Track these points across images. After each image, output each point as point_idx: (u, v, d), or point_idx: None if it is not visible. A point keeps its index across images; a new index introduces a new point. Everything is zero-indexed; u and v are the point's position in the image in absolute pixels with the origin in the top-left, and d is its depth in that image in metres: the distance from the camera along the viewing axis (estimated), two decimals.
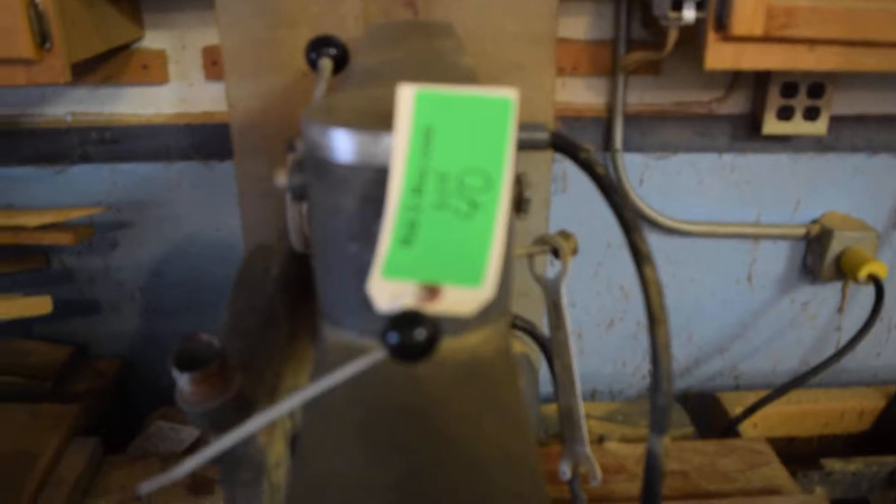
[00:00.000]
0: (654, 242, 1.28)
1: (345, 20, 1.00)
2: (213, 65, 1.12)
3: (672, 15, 0.92)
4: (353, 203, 0.37)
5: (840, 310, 1.36)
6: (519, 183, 0.44)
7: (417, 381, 0.37)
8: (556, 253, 0.73)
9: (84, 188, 1.19)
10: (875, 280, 1.20)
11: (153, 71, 1.12)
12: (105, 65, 1.10)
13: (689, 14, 0.91)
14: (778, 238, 1.30)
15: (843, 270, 1.24)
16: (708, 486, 1.05)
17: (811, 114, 1.17)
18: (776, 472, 1.08)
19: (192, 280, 1.26)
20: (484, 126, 0.34)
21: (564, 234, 0.74)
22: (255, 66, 1.03)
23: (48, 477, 0.98)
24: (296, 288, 0.69)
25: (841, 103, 1.21)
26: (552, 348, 0.74)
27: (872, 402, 1.32)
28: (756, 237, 1.29)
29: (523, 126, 0.44)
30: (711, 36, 0.91)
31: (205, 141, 1.17)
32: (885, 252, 1.31)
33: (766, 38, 0.90)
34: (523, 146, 0.45)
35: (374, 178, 0.36)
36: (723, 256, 1.31)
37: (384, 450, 0.34)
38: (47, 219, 1.09)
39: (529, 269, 0.73)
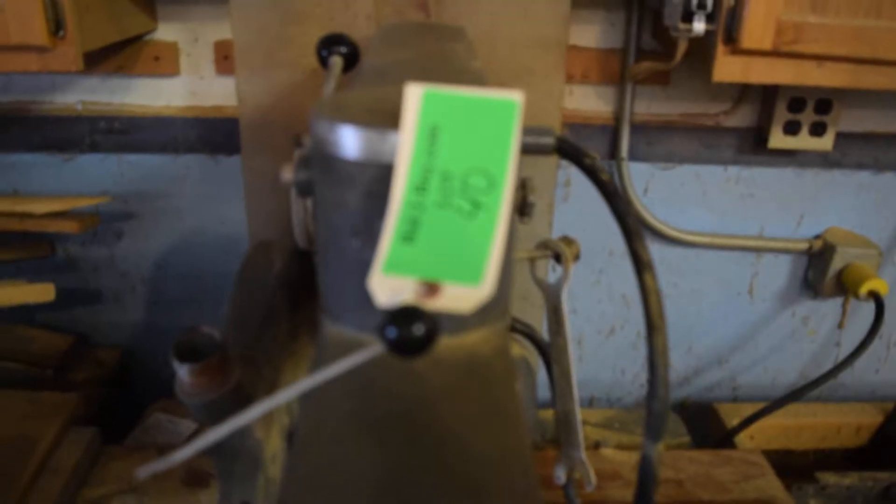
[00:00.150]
0: (657, 252, 1.28)
1: (356, 19, 1.01)
2: (225, 59, 1.12)
3: (682, 26, 0.92)
4: (358, 199, 0.38)
5: (840, 325, 1.36)
6: (523, 187, 0.44)
7: (415, 379, 0.37)
8: (557, 258, 0.73)
9: (91, 177, 1.20)
10: (876, 297, 1.21)
11: (165, 63, 1.12)
12: (117, 55, 1.11)
13: (699, 26, 0.91)
14: (780, 252, 1.30)
15: (845, 286, 1.25)
16: (702, 496, 1.05)
17: (817, 129, 1.17)
18: (771, 484, 1.08)
19: (194, 273, 1.27)
20: (489, 127, 0.34)
21: (567, 240, 0.75)
22: (267, 61, 1.03)
23: (45, 464, 0.99)
24: (298, 285, 0.69)
25: (848, 120, 1.21)
26: (551, 353, 0.75)
27: (870, 418, 1.32)
28: (758, 250, 1.29)
29: (530, 130, 0.44)
30: (720, 49, 0.91)
31: (213, 135, 1.17)
32: (887, 269, 1.31)
33: (775, 53, 0.91)
34: (529, 150, 0.45)
35: (379, 175, 0.36)
36: (725, 268, 1.31)
37: (379, 445, 0.34)
38: (54, 206, 1.09)
39: (531, 273, 0.73)
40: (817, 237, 1.28)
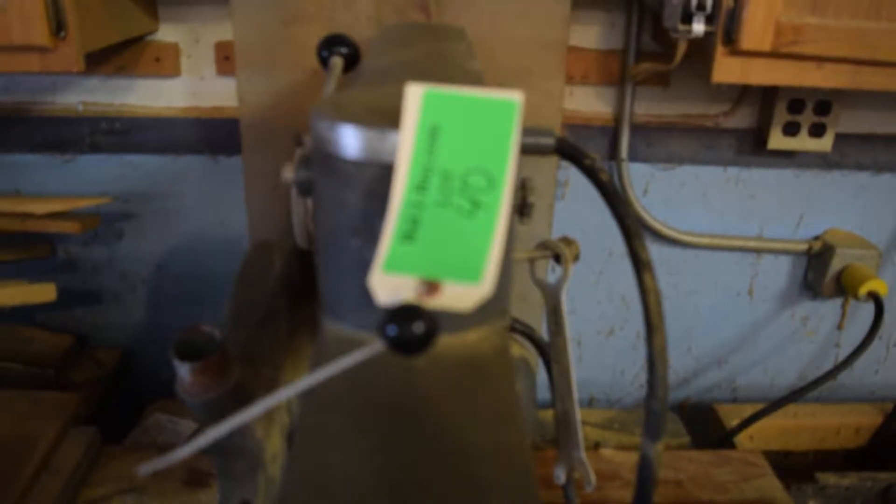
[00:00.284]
0: (657, 253, 1.28)
1: (358, 19, 1.01)
2: (226, 60, 1.13)
3: (682, 27, 0.92)
4: (358, 198, 0.38)
5: (840, 326, 1.36)
6: (523, 187, 0.44)
7: (415, 377, 0.38)
8: (557, 258, 0.73)
9: (92, 178, 1.20)
10: (875, 298, 1.21)
11: (165, 64, 1.13)
12: (118, 55, 1.11)
13: (698, 27, 0.91)
14: (780, 253, 1.30)
15: (844, 287, 1.25)
16: (701, 496, 1.05)
17: (817, 130, 1.17)
18: (770, 484, 1.08)
19: (195, 273, 1.27)
20: (489, 127, 0.35)
21: (566, 240, 0.75)
22: (267, 61, 1.03)
23: (45, 464, 0.99)
24: (298, 285, 0.69)
25: (847, 121, 1.21)
26: (551, 353, 0.75)
27: (869, 419, 1.32)
28: (758, 251, 1.30)
29: (530, 130, 0.44)
30: (720, 50, 0.92)
31: (214, 135, 1.18)
32: (887, 270, 1.31)
33: (774, 54, 0.91)
34: (529, 150, 0.45)
35: (379, 175, 0.36)
36: (724, 269, 1.31)
37: (379, 443, 0.35)
38: (55, 207, 1.09)
39: (530, 273, 0.74)
40: (817, 238, 1.28)
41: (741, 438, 1.25)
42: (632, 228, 0.46)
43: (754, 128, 1.22)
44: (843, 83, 0.95)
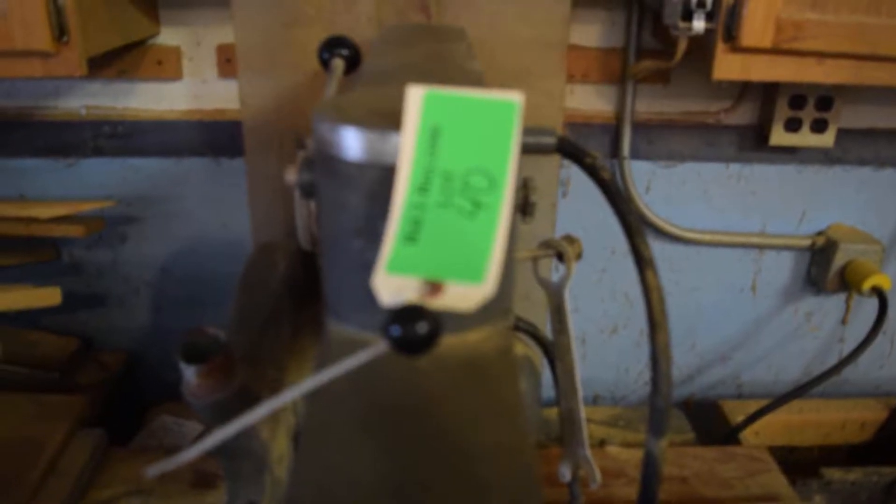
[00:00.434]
0: (659, 250, 1.28)
1: (358, 21, 1.01)
2: (227, 62, 1.13)
3: (682, 25, 0.92)
4: (360, 200, 0.38)
5: (844, 321, 1.36)
6: (525, 187, 0.45)
7: (418, 377, 0.38)
8: (560, 257, 0.73)
9: (95, 181, 1.20)
10: (879, 292, 1.21)
11: (167, 67, 1.13)
12: (120, 59, 1.11)
13: (698, 24, 0.91)
14: (783, 248, 1.30)
15: (848, 282, 1.25)
16: (706, 493, 1.05)
17: (819, 126, 1.18)
18: (775, 479, 1.08)
19: (198, 275, 1.27)
20: (489, 128, 0.35)
21: (569, 239, 0.75)
22: (269, 63, 1.04)
23: (53, 467, 0.99)
24: (302, 286, 0.69)
25: (849, 116, 1.21)
26: (555, 352, 0.75)
27: (874, 414, 1.32)
28: (761, 247, 1.30)
29: (531, 130, 0.44)
30: (720, 47, 0.92)
31: (216, 138, 1.18)
32: (890, 265, 1.31)
33: (775, 51, 0.91)
34: (530, 150, 0.45)
35: (381, 176, 0.37)
36: (727, 266, 1.31)
37: (383, 443, 0.35)
38: (59, 211, 1.09)
39: (534, 272, 0.74)
40: (820, 233, 1.28)
41: (746, 434, 1.25)
42: (634, 226, 0.46)
43: (756, 124, 1.22)
44: (844, 79, 0.95)
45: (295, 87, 1.05)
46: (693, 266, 1.31)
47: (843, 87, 1.15)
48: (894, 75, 0.95)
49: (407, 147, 0.35)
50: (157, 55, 1.12)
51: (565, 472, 0.77)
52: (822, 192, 1.27)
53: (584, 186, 1.19)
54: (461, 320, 0.39)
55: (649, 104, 1.19)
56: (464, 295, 0.34)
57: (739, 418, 1.25)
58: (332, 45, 0.63)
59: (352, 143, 0.37)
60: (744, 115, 1.21)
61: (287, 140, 1.06)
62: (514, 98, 0.35)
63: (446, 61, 0.62)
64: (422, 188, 0.34)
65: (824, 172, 1.25)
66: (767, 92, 1.19)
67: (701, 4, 0.91)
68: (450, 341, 0.38)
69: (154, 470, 0.31)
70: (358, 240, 0.39)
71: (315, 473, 0.34)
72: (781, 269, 1.32)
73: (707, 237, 1.27)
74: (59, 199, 1.18)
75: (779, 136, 1.18)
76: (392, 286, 0.34)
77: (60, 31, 0.84)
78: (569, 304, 0.72)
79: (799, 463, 1.29)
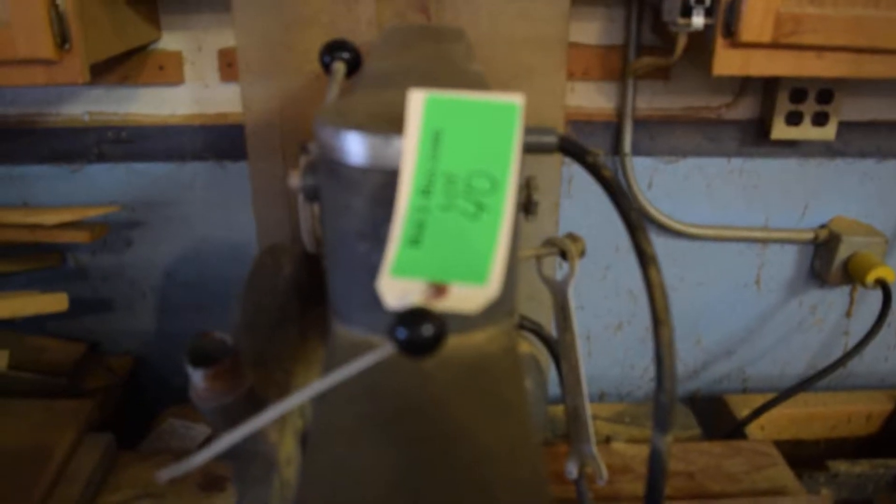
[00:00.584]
0: (663, 246, 1.28)
1: (358, 23, 1.01)
2: (229, 66, 1.13)
3: (681, 21, 0.92)
4: (364, 204, 0.38)
5: (848, 314, 1.36)
6: (528, 186, 0.45)
7: (424, 378, 0.38)
8: (563, 255, 0.74)
9: (99, 187, 1.21)
10: (883, 284, 1.21)
11: (169, 72, 1.13)
12: (122, 65, 1.12)
13: (698, 20, 0.92)
14: (786, 242, 1.30)
15: (851, 275, 1.25)
16: (713, 487, 1.05)
17: (820, 119, 1.18)
18: (782, 473, 1.08)
19: (203, 279, 1.28)
20: (491, 130, 0.35)
21: (572, 237, 0.75)
22: (270, 67, 1.04)
23: (62, 473, 1.00)
24: (307, 288, 0.70)
25: (850, 109, 1.21)
26: (559, 349, 0.75)
27: (880, 406, 1.32)
28: (764, 241, 1.30)
29: (532, 129, 0.45)
30: (720, 42, 0.92)
31: (219, 141, 1.18)
32: (894, 257, 1.31)
33: (774, 45, 0.91)
34: (532, 149, 0.46)
35: (385, 180, 0.37)
36: (731, 260, 1.31)
37: (390, 444, 0.35)
38: (64, 217, 1.10)
39: (538, 270, 0.74)
40: (822, 226, 1.28)
41: (752, 429, 1.25)
42: (636, 223, 0.47)
43: (757, 118, 1.22)
44: (844, 72, 0.95)
45: (296, 89, 1.05)
46: (697, 261, 1.31)
47: (844, 80, 1.16)
48: (893, 68, 0.95)
49: (409, 150, 0.35)
50: (159, 60, 1.13)
51: (572, 470, 0.77)
52: (825, 186, 1.27)
53: (588, 183, 1.19)
54: (465, 321, 0.39)
55: (650, 100, 1.19)
56: (468, 297, 0.34)
57: (745, 413, 1.25)
58: (333, 49, 0.64)
59: (355, 147, 0.37)
60: (745, 110, 1.21)
61: (290, 142, 1.07)
62: (515, 100, 0.35)
63: (446, 62, 0.63)
64: (425, 191, 0.35)
65: (826, 165, 1.25)
66: (768, 86, 1.19)
67: (700, 0, 0.91)
68: (454, 342, 0.39)
69: (166, 475, 0.31)
70: (362, 243, 0.39)
71: (324, 474, 0.34)
72: (785, 262, 1.32)
73: (710, 232, 1.27)
74: (63, 206, 1.19)
75: (780, 130, 1.18)
76: (397, 289, 0.34)
77: (62, 39, 0.84)
78: (573, 302, 0.73)
79: (805, 456, 1.29)
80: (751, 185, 1.26)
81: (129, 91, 1.15)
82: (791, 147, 1.24)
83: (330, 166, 0.39)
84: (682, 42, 0.97)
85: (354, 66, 0.65)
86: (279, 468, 0.59)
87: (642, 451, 1.13)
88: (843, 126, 1.21)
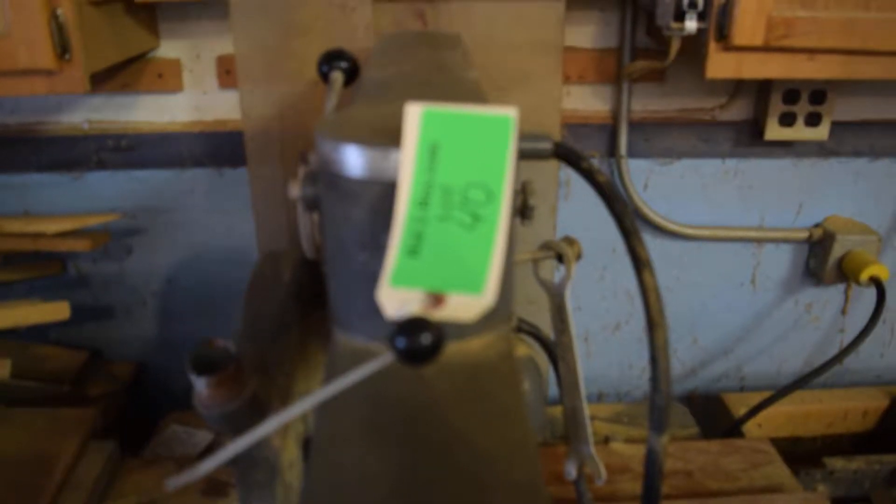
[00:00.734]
0: (659, 246, 1.29)
1: (355, 30, 1.02)
2: (227, 73, 1.14)
3: (675, 25, 0.93)
4: (363, 215, 0.39)
5: (843, 312, 1.37)
6: (524, 191, 0.46)
7: (423, 384, 0.39)
8: (560, 258, 0.74)
9: (100, 195, 1.21)
10: (877, 282, 1.22)
11: (168, 79, 1.14)
12: (121, 73, 1.13)
13: (691, 24, 0.93)
14: (781, 242, 1.31)
15: (846, 273, 1.26)
16: (711, 485, 1.06)
17: (813, 119, 1.19)
18: (779, 471, 1.09)
19: (204, 285, 1.28)
20: (486, 142, 0.36)
21: (569, 240, 0.76)
22: (268, 74, 1.05)
23: (67, 480, 1.00)
24: (307, 294, 0.70)
25: (843, 109, 1.22)
26: (557, 351, 0.76)
27: (876, 403, 1.33)
28: (759, 241, 1.31)
29: (527, 136, 0.46)
30: (713, 46, 0.93)
31: (218, 148, 1.19)
32: (888, 255, 1.32)
33: (767, 48, 0.92)
34: (527, 156, 0.46)
35: (383, 192, 0.38)
36: (726, 260, 1.32)
37: (390, 449, 0.36)
38: (65, 225, 1.11)
39: (535, 273, 0.75)
40: (817, 226, 1.29)
41: (749, 427, 1.26)
42: (630, 228, 0.48)
43: (751, 119, 1.23)
44: (835, 74, 0.96)
45: (295, 95, 1.06)
46: (693, 261, 1.32)
47: (836, 81, 1.16)
48: (885, 69, 0.96)
49: (407, 163, 0.36)
50: (158, 68, 1.14)
51: (571, 470, 0.78)
52: (818, 185, 1.28)
53: (585, 186, 1.20)
54: (463, 328, 0.40)
55: (645, 103, 1.20)
56: (465, 306, 0.35)
57: (742, 411, 1.26)
58: (331, 59, 0.64)
59: (354, 160, 0.38)
60: (739, 111, 1.22)
61: (289, 148, 1.08)
62: (510, 113, 0.36)
63: (443, 70, 0.63)
64: (422, 203, 0.36)
65: (820, 165, 1.26)
66: (761, 87, 1.20)
67: (693, 5, 0.92)
68: (452, 349, 0.40)
69: (174, 483, 0.32)
70: (362, 253, 0.40)
71: (327, 479, 0.35)
72: (780, 261, 1.33)
73: (706, 232, 1.28)
74: (64, 214, 1.19)
75: (774, 131, 1.19)
76: (396, 299, 0.35)
77: (63, 49, 0.85)
78: (570, 304, 0.74)
79: (802, 453, 1.30)
80: (745, 185, 1.27)
81: (128, 99, 1.16)
82: (785, 147, 1.25)
83: (330, 178, 0.40)
84: (675, 46, 0.98)
85: (352, 75, 0.66)
86: (282, 473, 0.60)
87: (640, 451, 1.14)
88: (836, 126, 1.22)
